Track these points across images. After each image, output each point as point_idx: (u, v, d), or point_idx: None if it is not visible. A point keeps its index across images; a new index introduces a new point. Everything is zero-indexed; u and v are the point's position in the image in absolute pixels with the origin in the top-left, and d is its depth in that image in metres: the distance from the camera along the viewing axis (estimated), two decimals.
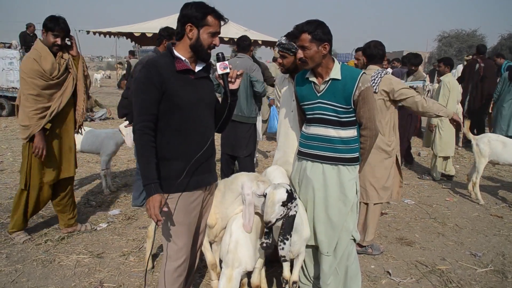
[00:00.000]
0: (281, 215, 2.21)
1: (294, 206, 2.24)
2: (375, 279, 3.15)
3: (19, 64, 10.20)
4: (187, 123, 2.13)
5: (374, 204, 3.41)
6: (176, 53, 2.12)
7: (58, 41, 3.33)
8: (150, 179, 2.01)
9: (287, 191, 2.22)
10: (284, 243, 2.24)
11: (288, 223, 2.24)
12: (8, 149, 7.14)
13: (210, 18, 2.07)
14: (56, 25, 3.30)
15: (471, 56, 10.15)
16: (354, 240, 2.58)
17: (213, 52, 2.23)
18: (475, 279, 3.19)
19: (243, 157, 4.46)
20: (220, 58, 2.16)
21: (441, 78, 5.74)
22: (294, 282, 2.54)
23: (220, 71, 2.16)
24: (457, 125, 3.30)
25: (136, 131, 2.06)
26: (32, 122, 3.29)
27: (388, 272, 3.25)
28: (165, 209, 2.05)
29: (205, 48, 2.10)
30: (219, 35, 2.18)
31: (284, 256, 2.32)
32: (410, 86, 3.56)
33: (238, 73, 2.21)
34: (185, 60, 2.11)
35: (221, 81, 2.21)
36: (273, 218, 2.18)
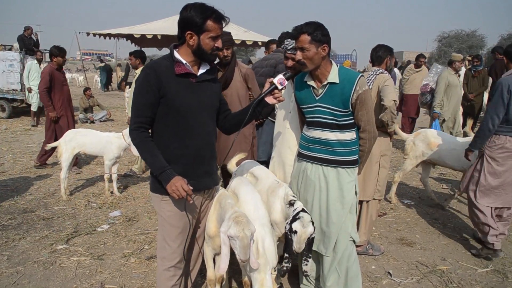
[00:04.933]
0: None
1: (314, 230, 2.35)
2: (376, 280, 3.15)
3: (20, 66, 10.23)
4: (186, 127, 2.12)
5: (366, 202, 3.42)
6: (177, 56, 2.10)
7: None
8: (162, 167, 2.04)
9: (313, 224, 2.33)
10: (307, 261, 2.42)
11: (310, 244, 2.38)
12: (8, 151, 7.15)
13: (210, 23, 2.01)
14: None
15: (470, 58, 10.10)
16: (354, 241, 2.59)
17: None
18: (476, 279, 3.20)
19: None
20: (287, 75, 2.29)
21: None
22: None
23: (275, 81, 2.24)
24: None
25: (133, 131, 2.08)
26: None
27: (388, 272, 3.26)
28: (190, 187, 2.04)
29: (208, 52, 2.09)
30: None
31: (307, 271, 2.47)
32: None
33: (281, 98, 2.29)
34: (186, 63, 2.09)
35: (267, 85, 2.28)
36: (301, 249, 2.32)
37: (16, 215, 4.25)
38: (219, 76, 3.68)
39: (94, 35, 13.34)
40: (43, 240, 3.69)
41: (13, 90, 10.47)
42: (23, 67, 10.14)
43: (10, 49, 11.32)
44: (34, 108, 9.89)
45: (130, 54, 5.94)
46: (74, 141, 4.82)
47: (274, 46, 5.29)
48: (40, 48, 11.49)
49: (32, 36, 11.27)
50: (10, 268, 3.19)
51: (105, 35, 13.63)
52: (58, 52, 5.83)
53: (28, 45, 10.87)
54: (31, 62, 9.79)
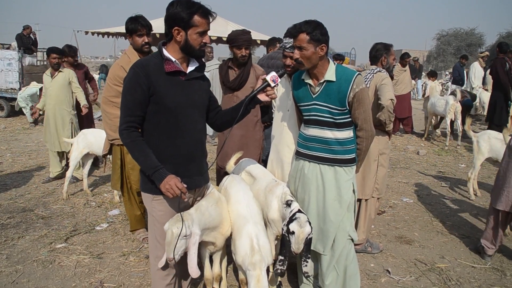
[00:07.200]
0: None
1: (311, 229, 2.38)
2: (375, 278, 3.16)
3: (18, 65, 10.20)
4: (176, 125, 2.10)
5: (365, 200, 3.43)
6: (166, 53, 2.07)
7: (145, 39, 3.29)
8: (155, 166, 2.02)
9: (310, 224, 2.35)
10: (307, 262, 2.43)
11: (308, 245, 2.39)
12: (7, 150, 7.14)
13: (197, 18, 1.99)
14: (137, 25, 3.26)
15: (487, 53, 10.24)
16: (352, 240, 2.59)
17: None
18: (474, 276, 3.21)
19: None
20: (279, 72, 2.28)
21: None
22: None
23: (268, 78, 2.24)
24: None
25: (123, 131, 2.04)
26: (113, 128, 3.33)
27: (387, 270, 3.26)
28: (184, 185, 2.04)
29: (196, 48, 2.06)
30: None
31: (307, 272, 2.45)
32: None
33: (274, 96, 2.29)
34: (175, 61, 2.07)
35: (259, 82, 2.27)
36: (300, 249, 2.34)
37: (15, 214, 4.25)
38: (233, 75, 3.61)
39: (93, 33, 13.27)
40: (42, 239, 3.69)
41: (12, 89, 10.45)
42: (22, 66, 10.08)
43: (8, 48, 11.29)
44: (27, 114, 9.86)
45: (64, 54, 5.20)
46: (84, 141, 4.84)
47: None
48: (38, 47, 11.47)
49: (31, 35, 11.25)
50: (9, 267, 3.19)
51: (103, 34, 13.57)
52: (65, 52, 5.49)
53: (26, 44, 10.86)
54: (36, 90, 9.44)
